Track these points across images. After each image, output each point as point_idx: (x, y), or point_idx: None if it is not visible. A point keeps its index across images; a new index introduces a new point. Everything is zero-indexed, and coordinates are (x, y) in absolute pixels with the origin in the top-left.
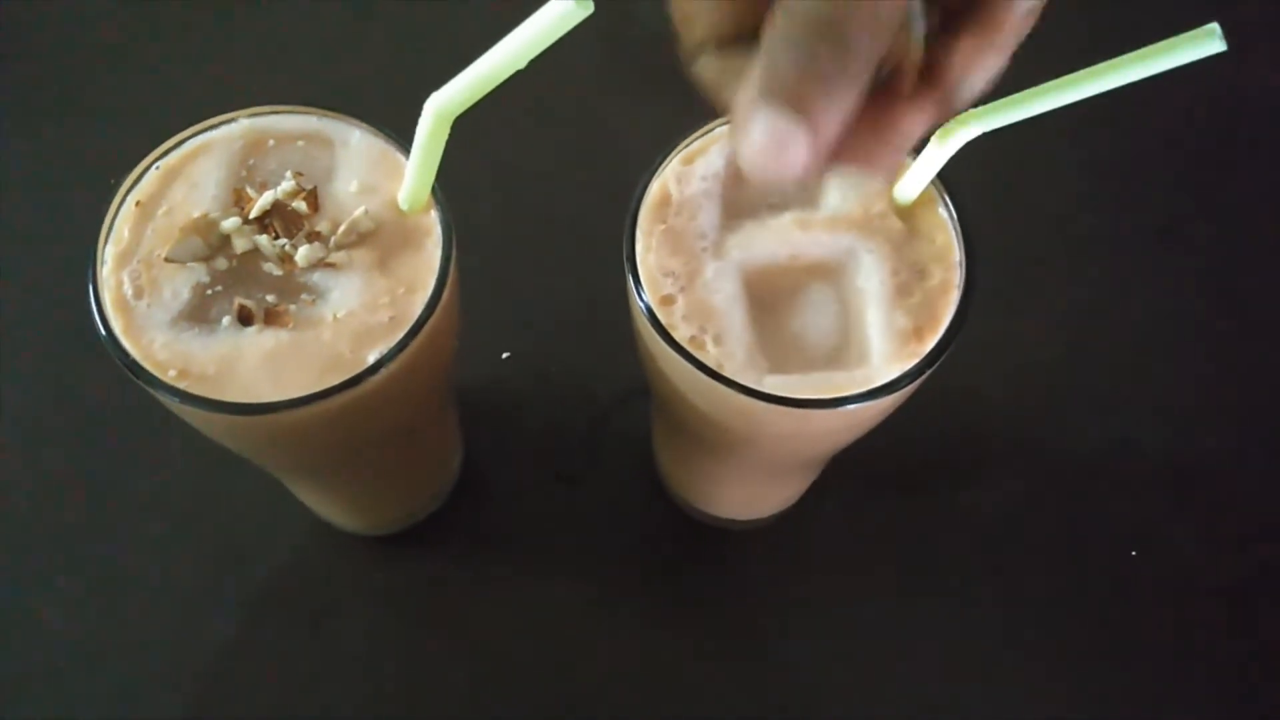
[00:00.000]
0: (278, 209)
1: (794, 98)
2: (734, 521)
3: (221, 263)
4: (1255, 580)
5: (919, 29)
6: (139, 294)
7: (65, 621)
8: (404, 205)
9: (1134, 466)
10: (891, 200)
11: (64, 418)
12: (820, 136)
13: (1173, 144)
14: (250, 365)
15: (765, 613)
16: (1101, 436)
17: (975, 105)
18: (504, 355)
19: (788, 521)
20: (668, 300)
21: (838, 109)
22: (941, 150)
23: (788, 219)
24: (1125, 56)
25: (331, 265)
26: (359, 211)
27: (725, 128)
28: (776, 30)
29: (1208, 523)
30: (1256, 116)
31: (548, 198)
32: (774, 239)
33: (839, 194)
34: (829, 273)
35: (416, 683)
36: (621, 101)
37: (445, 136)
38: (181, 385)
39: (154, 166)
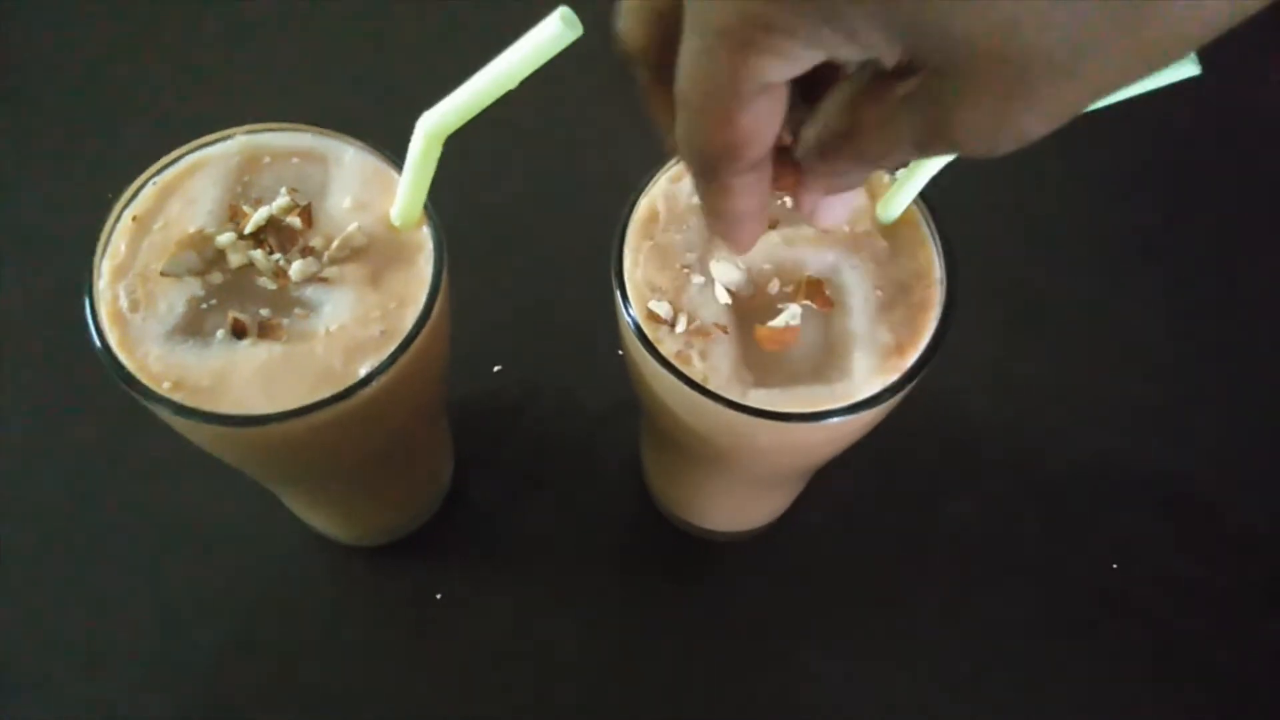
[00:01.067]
0: (272, 224)
1: (693, 163)
2: (721, 533)
3: (216, 277)
4: (1239, 592)
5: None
6: (134, 307)
7: (55, 633)
8: (396, 221)
9: (1117, 479)
10: (875, 219)
11: (58, 429)
12: (733, 198)
13: (1156, 159)
14: (243, 378)
15: (752, 623)
16: (1085, 449)
17: None
18: (495, 369)
19: (774, 533)
20: (654, 315)
21: (726, 171)
22: (924, 170)
23: (774, 236)
24: None
25: (324, 280)
26: (352, 227)
27: None
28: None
29: (1192, 534)
30: (1239, 133)
31: (538, 214)
32: (760, 255)
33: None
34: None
35: (406, 691)
36: (611, 121)
37: (437, 155)
38: (176, 397)
39: (151, 182)
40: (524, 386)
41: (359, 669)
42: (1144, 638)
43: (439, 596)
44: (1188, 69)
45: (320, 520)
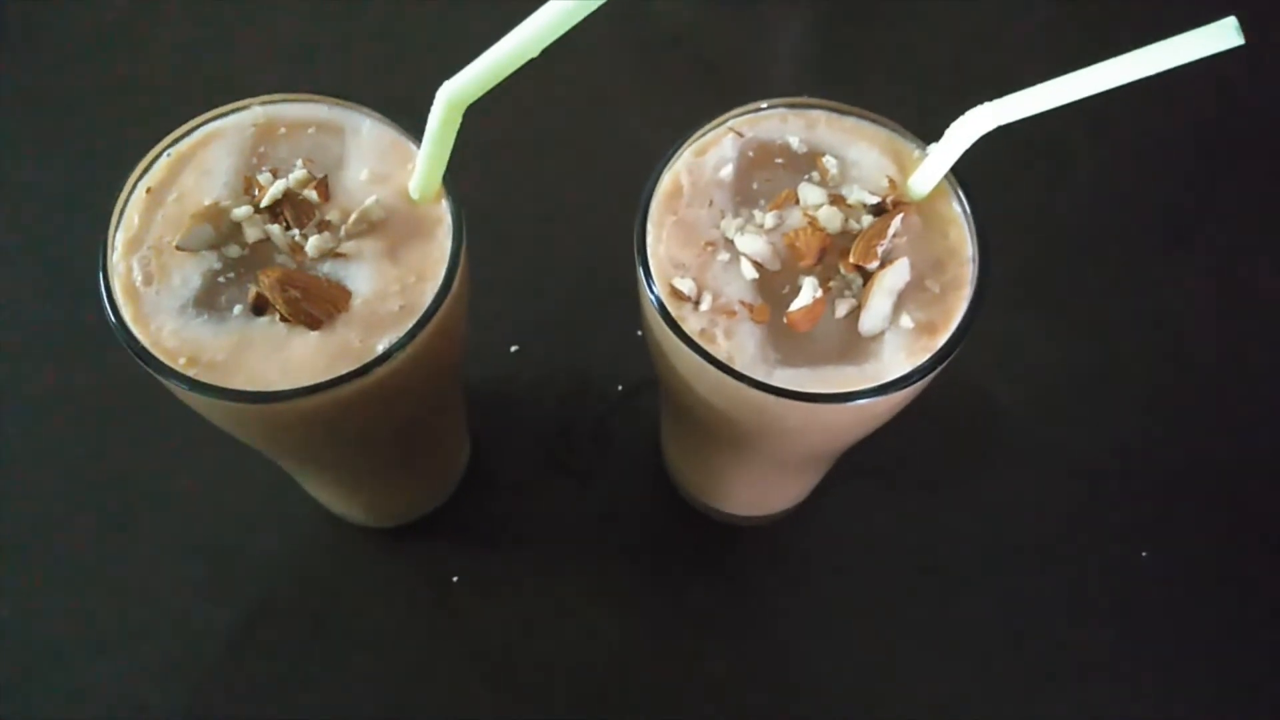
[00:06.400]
0: (289, 198)
1: None
2: (743, 517)
3: (232, 250)
4: (1268, 581)
5: None
6: (148, 280)
7: (71, 611)
8: (415, 194)
9: (1145, 466)
10: (906, 194)
11: (71, 407)
12: None
13: (1189, 144)
14: (259, 353)
15: (771, 609)
16: (1113, 435)
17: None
18: (513, 348)
19: (795, 518)
20: (678, 292)
21: None
22: (955, 144)
23: (800, 213)
24: (1141, 50)
25: (342, 255)
26: (370, 200)
27: (737, 119)
28: None
29: (1220, 523)
30: (1273, 118)
31: (559, 188)
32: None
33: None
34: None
35: (422, 674)
36: (634, 92)
37: (457, 125)
38: (190, 373)
39: (165, 153)
40: (542, 367)
41: (374, 651)
42: (1172, 625)
43: (455, 579)
44: (1232, 38)
45: (336, 501)
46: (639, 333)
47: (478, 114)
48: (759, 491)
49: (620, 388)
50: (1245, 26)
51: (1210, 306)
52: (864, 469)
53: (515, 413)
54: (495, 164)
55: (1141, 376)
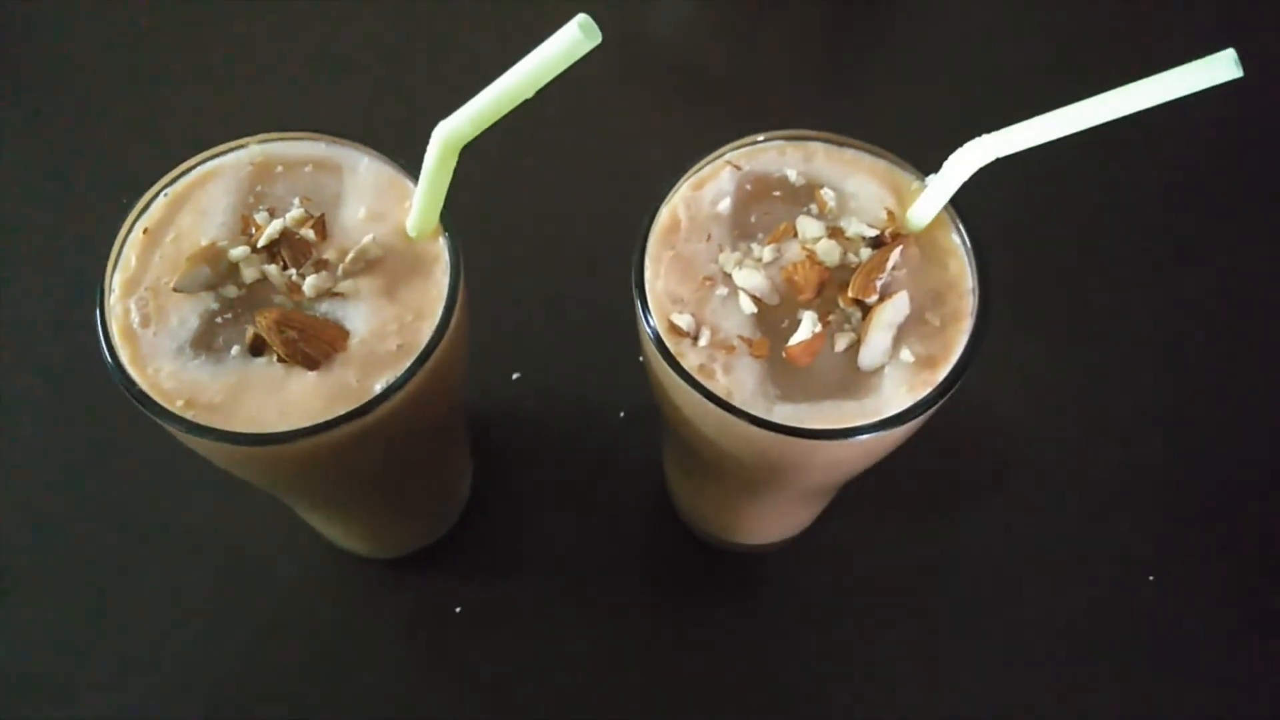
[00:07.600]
0: (286, 237)
1: None
2: (746, 545)
3: (230, 291)
4: (1276, 604)
5: None
6: (146, 322)
7: (72, 646)
8: (412, 232)
9: (1150, 490)
10: (905, 225)
11: (76, 443)
12: None
13: (1188, 169)
14: (257, 395)
15: (776, 637)
16: (1117, 460)
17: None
18: (514, 376)
19: (800, 546)
20: (676, 328)
21: None
22: (954, 176)
23: (798, 246)
24: (1140, 82)
25: (339, 294)
26: (367, 239)
27: (735, 152)
28: None
29: (1227, 547)
30: (1272, 146)
31: (556, 222)
32: (785, 260)
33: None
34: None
35: (426, 705)
36: (630, 127)
37: (453, 164)
38: (188, 415)
39: (162, 194)
40: (543, 394)
41: (377, 683)
42: (1179, 650)
43: (458, 610)
44: (1230, 71)
45: (337, 533)
46: (641, 359)
47: (475, 147)
48: (762, 520)
49: (622, 414)
50: (1242, 43)
51: (1214, 328)
52: (868, 495)
53: (517, 441)
54: (494, 197)
55: (1146, 400)
